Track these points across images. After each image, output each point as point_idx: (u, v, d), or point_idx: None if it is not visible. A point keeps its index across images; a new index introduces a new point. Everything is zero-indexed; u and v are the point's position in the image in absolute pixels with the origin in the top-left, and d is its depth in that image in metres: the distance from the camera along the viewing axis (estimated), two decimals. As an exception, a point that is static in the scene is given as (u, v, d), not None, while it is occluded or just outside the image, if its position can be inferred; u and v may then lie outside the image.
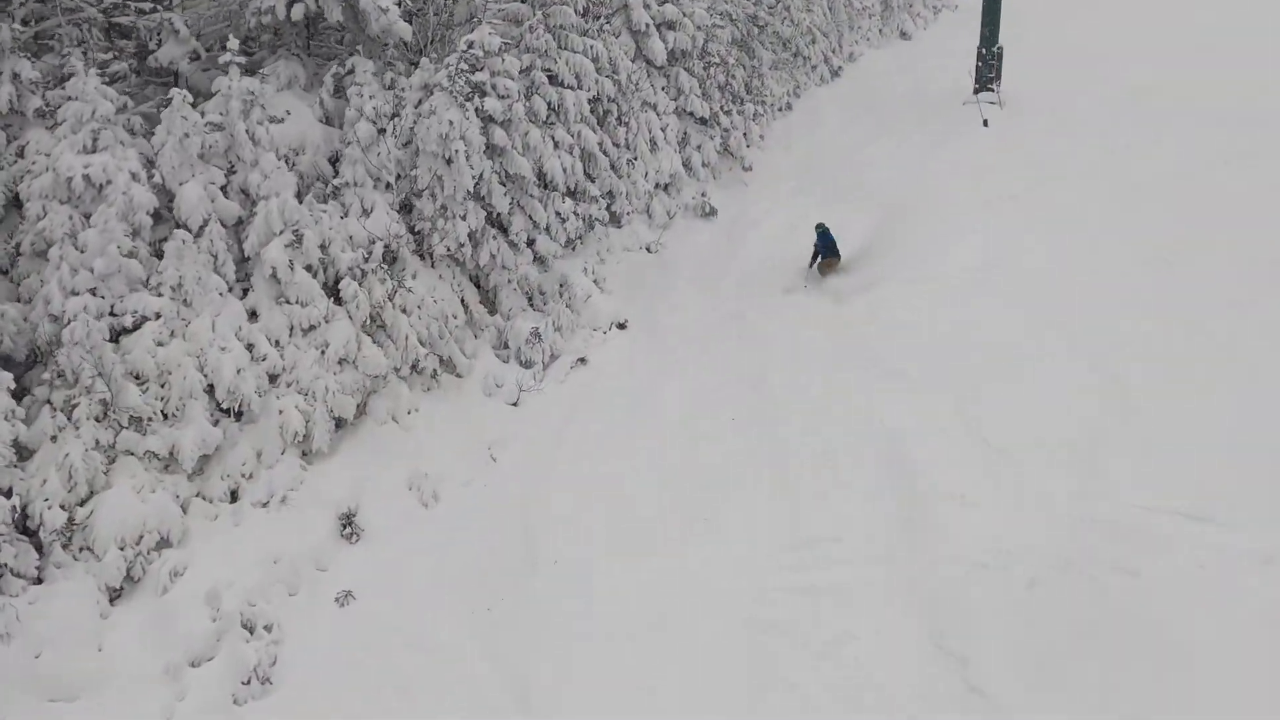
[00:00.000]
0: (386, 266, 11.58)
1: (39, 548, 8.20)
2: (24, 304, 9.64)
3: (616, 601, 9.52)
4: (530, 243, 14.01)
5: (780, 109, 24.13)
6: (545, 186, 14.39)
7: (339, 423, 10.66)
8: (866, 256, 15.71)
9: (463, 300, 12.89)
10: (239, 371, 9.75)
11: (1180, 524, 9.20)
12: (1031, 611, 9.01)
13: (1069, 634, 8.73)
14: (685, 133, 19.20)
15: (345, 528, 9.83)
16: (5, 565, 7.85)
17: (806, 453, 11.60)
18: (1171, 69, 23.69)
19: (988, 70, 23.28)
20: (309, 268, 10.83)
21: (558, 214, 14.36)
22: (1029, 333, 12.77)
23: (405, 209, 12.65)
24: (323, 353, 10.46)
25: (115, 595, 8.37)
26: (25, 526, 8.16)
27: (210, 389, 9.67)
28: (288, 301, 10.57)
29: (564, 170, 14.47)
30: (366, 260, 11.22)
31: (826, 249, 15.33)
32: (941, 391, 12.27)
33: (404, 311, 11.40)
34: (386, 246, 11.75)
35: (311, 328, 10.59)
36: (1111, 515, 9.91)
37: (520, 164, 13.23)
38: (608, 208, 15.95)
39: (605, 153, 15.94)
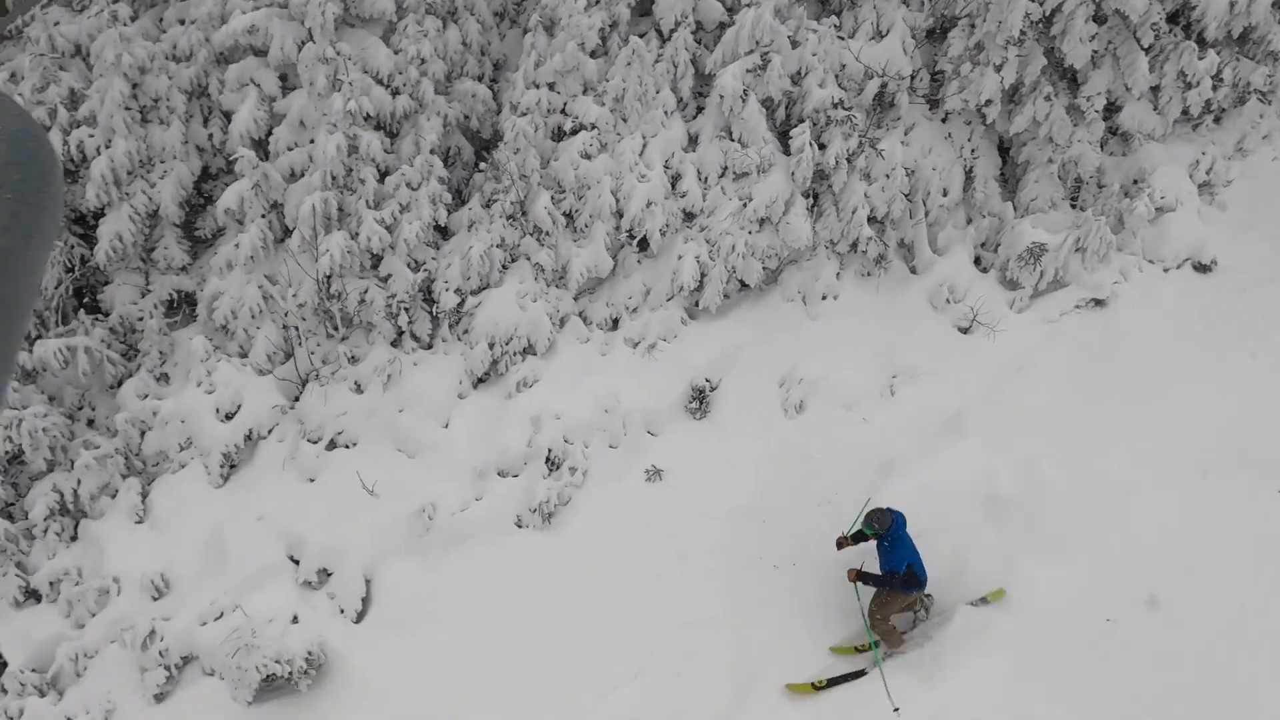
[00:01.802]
0: (866, 115, 9.26)
1: (434, 320, 9.35)
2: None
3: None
4: (1112, 110, 9.81)
5: None
6: (1185, 29, 9.58)
7: (742, 284, 9.56)
8: None
9: (968, 172, 9.90)
10: (648, 205, 9.13)
11: None
12: None
13: None
14: None
15: (694, 401, 9.19)
16: (403, 329, 9.17)
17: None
18: None
19: None
20: (767, 101, 9.20)
21: (1180, 74, 9.60)
22: None
23: (937, 36, 9.69)
24: (745, 205, 9.17)
25: (478, 382, 9.29)
26: (430, 299, 9.29)
27: (620, 214, 9.33)
28: (729, 137, 9.28)
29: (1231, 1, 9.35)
30: (838, 104, 9.06)
31: (892, 568, 7.07)
32: None
33: (865, 178, 9.20)
34: (884, 86, 9.30)
35: (743, 174, 9.24)
36: None
37: (1132, -4, 8.88)
38: (1305, 66, 10.13)
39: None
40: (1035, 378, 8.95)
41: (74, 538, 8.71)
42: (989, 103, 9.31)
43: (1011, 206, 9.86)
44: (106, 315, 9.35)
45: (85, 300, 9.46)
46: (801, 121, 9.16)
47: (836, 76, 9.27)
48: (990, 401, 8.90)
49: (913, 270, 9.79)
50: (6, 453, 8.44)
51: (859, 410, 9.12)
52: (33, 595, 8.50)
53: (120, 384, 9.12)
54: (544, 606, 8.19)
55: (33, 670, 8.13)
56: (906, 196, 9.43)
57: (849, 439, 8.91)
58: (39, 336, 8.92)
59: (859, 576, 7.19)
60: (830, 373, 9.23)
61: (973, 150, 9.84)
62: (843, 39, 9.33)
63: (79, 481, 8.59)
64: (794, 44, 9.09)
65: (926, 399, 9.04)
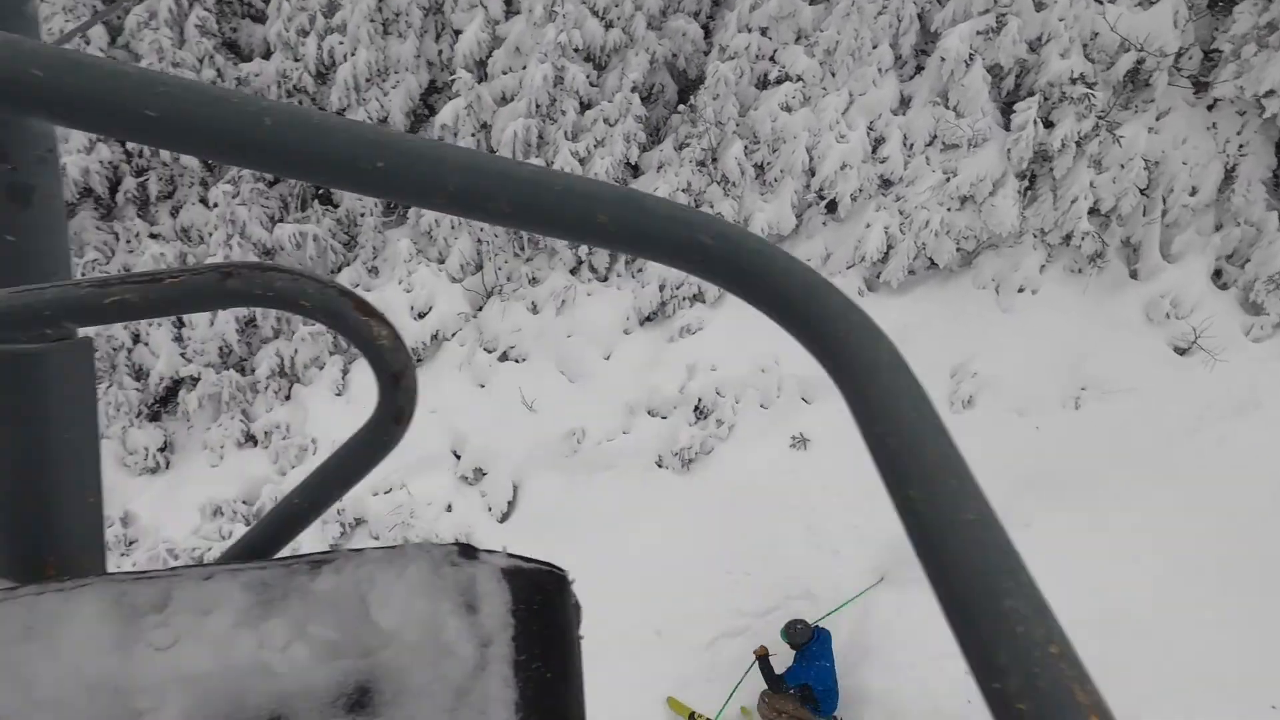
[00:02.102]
0: (1112, 94, 8.19)
1: (612, 255, 9.60)
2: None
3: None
4: None
5: None
6: None
7: (931, 263, 9.00)
8: None
9: (1229, 171, 8.54)
10: (843, 167, 8.74)
11: None
12: None
13: None
14: None
15: (855, 375, 8.91)
16: (582, 260, 9.51)
17: None
18: None
19: None
20: (994, 68, 8.37)
21: None
22: None
23: (1220, 8, 8.28)
24: (948, 179, 8.53)
25: (644, 320, 9.52)
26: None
27: (811, 172, 9.00)
28: (944, 104, 8.58)
29: None
30: (1078, 79, 8.08)
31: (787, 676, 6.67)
32: None
33: (1095, 165, 8.23)
34: (1140, 62, 8.16)
35: (952, 146, 8.55)
36: None
37: None
38: None
39: None
40: (1256, 422, 7.80)
41: (288, 398, 10.07)
42: (1271, 93, 7.92)
43: (1277, 217, 8.44)
44: (336, 208, 10.46)
45: (320, 192, 10.60)
46: (1030, 95, 8.29)
47: (1084, 47, 8.24)
48: (1193, 440, 7.91)
49: (1133, 274, 8.74)
50: (243, 318, 9.83)
51: (1033, 418, 8.45)
52: (251, 439, 9.98)
53: (339, 270, 10.24)
54: (669, 546, 8.50)
55: (243, 502, 9.65)
56: (1142, 191, 8.35)
57: (1014, 447, 8.28)
58: (280, 219, 10.18)
59: (763, 656, 6.73)
60: (1009, 371, 8.58)
61: (1240, 146, 8.46)
62: (1100, 3, 8.24)
63: (296, 351, 9.86)
64: (1038, 6, 8.16)
65: (1115, 420, 8.19)
